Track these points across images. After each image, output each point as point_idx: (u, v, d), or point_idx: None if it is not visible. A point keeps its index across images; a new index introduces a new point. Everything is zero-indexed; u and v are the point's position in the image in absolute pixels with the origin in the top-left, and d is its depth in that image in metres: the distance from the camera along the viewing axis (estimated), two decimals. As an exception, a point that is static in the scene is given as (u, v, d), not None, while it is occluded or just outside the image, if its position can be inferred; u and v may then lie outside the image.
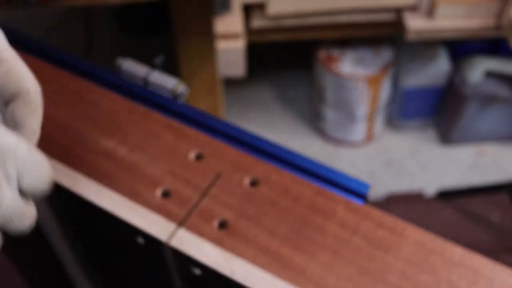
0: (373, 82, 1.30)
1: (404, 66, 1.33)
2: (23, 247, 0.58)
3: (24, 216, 0.25)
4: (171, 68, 0.51)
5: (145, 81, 0.47)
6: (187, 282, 0.43)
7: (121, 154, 0.43)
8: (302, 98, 1.55)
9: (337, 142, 1.46)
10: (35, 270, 0.60)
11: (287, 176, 0.42)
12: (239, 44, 0.96)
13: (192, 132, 0.45)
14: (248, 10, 1.06)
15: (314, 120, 1.48)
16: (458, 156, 1.41)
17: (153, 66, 0.49)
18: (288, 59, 1.61)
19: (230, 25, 0.97)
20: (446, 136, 1.42)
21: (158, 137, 0.44)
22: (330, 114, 1.40)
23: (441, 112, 1.43)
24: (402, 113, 1.43)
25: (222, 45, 0.96)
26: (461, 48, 1.33)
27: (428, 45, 1.29)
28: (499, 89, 1.29)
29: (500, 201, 1.27)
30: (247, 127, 0.46)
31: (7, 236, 0.25)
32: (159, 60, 0.50)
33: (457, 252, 0.38)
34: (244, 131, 0.45)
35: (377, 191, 1.34)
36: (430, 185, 1.34)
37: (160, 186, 0.41)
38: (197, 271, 0.39)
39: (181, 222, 0.40)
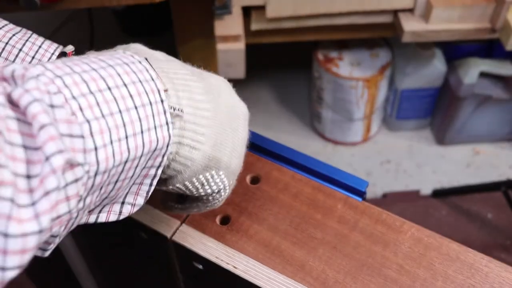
0: (371, 83, 1.31)
1: (401, 67, 1.34)
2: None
3: None
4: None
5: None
6: (189, 276, 0.43)
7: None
8: (300, 99, 1.56)
9: (335, 142, 1.47)
10: (38, 263, 0.60)
11: (288, 174, 0.43)
12: (240, 46, 0.97)
13: (194, 130, 0.45)
14: (247, 12, 1.07)
15: (312, 120, 1.49)
16: (453, 156, 1.42)
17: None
18: (287, 60, 1.61)
19: (230, 27, 0.98)
20: (442, 137, 1.43)
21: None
22: (328, 115, 1.41)
23: (437, 112, 1.44)
24: (398, 114, 1.44)
25: (222, 47, 0.97)
26: (456, 50, 1.34)
27: (424, 47, 1.31)
28: (493, 90, 1.30)
29: (494, 200, 1.28)
30: (247, 127, 0.46)
31: None
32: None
33: (453, 247, 0.39)
34: (246, 130, 0.46)
35: (374, 191, 1.35)
36: (426, 185, 1.35)
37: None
38: (199, 266, 0.40)
39: (184, 218, 0.41)
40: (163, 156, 0.29)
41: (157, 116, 0.28)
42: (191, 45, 1.07)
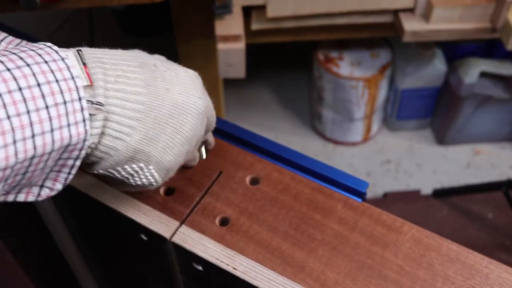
0: (371, 83, 1.31)
1: (401, 67, 1.34)
2: (27, 243, 0.58)
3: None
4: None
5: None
6: (189, 277, 0.43)
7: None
8: (301, 99, 1.56)
9: (335, 142, 1.47)
10: (38, 265, 0.60)
11: (288, 174, 0.43)
12: (240, 46, 0.97)
13: (194, 131, 0.45)
14: (247, 12, 1.07)
15: (312, 120, 1.49)
16: (454, 156, 1.42)
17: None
18: (287, 60, 1.61)
19: (230, 27, 0.98)
20: (442, 136, 1.43)
21: (160, 136, 0.45)
22: (328, 115, 1.41)
23: (437, 112, 1.44)
24: (399, 114, 1.44)
25: (222, 47, 0.97)
26: (457, 50, 1.34)
27: (424, 47, 1.31)
28: (494, 90, 1.30)
29: (495, 200, 1.28)
30: (246, 127, 0.46)
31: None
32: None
33: (453, 248, 0.39)
34: (246, 131, 0.46)
35: (374, 190, 1.35)
36: (426, 185, 1.35)
37: (164, 184, 0.42)
38: (199, 267, 0.40)
39: (184, 219, 0.41)
40: (80, 150, 0.30)
41: (72, 114, 0.28)
42: (191, 45, 1.07)
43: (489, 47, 1.31)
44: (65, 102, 0.28)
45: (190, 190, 0.42)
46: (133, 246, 0.45)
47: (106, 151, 0.32)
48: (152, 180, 0.35)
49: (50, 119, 0.27)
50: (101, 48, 0.35)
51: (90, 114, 0.30)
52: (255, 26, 1.08)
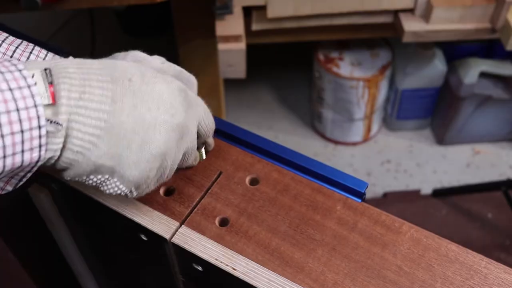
0: (371, 83, 1.31)
1: (401, 67, 1.35)
2: (27, 241, 0.58)
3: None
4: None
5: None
6: (188, 278, 0.44)
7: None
8: (301, 99, 1.56)
9: (336, 142, 1.47)
10: (38, 264, 0.61)
11: (287, 175, 0.43)
12: (240, 46, 0.97)
13: (194, 132, 0.45)
14: (248, 12, 1.07)
15: (313, 120, 1.49)
16: (453, 156, 1.42)
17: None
18: (287, 61, 1.61)
19: (231, 27, 0.98)
20: (442, 137, 1.44)
21: (160, 137, 0.45)
22: (328, 115, 1.41)
23: (437, 112, 1.44)
24: (399, 114, 1.44)
25: (223, 47, 0.97)
26: (456, 50, 1.34)
27: (424, 47, 1.31)
28: (493, 90, 1.30)
29: (494, 200, 1.28)
30: (247, 128, 0.47)
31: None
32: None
33: (452, 248, 0.39)
34: (246, 131, 0.46)
35: (374, 190, 1.35)
36: (426, 185, 1.35)
37: (163, 184, 0.42)
38: (198, 267, 0.40)
39: (184, 220, 0.41)
40: (32, 167, 0.31)
41: (29, 141, 0.29)
42: (192, 45, 1.07)
43: (489, 48, 1.31)
44: (22, 131, 0.28)
45: (190, 191, 0.42)
46: (132, 246, 0.45)
47: (68, 162, 0.32)
48: (119, 192, 0.35)
49: (4, 147, 0.28)
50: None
51: (50, 132, 0.30)
52: (255, 26, 1.08)
